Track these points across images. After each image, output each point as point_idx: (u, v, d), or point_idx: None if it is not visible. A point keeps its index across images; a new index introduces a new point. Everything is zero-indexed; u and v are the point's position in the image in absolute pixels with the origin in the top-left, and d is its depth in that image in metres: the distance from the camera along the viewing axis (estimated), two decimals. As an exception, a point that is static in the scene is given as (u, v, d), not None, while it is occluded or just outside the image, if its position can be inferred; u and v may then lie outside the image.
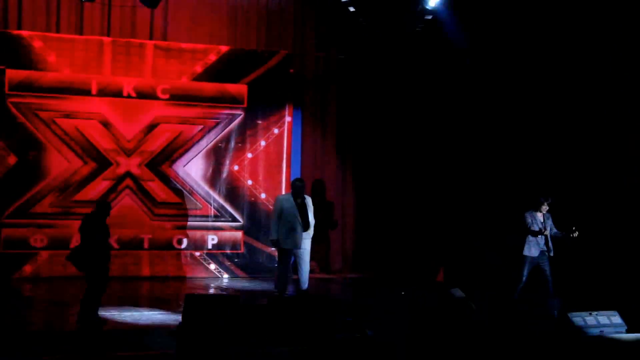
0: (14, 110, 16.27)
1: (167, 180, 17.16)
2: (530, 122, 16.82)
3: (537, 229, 13.77)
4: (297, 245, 14.02)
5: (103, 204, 12.23)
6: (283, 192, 16.92)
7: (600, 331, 11.28)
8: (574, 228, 13.56)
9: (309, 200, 14.43)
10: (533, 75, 16.70)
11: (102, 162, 16.76)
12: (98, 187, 16.68)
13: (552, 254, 13.79)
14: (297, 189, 14.23)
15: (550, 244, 13.78)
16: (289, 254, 14.13)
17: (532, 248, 13.82)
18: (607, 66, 15.71)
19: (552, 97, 16.52)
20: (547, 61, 16.49)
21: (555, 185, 15.63)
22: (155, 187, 17.10)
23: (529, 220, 13.83)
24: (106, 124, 16.76)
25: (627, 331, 11.41)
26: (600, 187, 15.82)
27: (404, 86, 18.43)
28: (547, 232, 13.68)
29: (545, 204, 13.85)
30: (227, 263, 17.43)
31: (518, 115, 17.00)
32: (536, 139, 16.76)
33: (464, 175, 17.99)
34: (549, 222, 13.88)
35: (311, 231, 14.35)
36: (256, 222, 17.58)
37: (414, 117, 18.52)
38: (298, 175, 17.16)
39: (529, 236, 13.81)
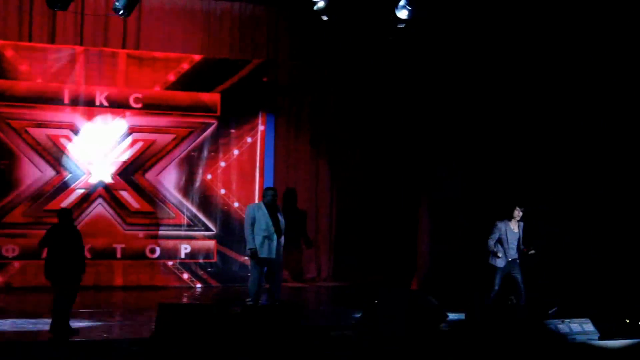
0: (-15, 119, 16.23)
1: (140, 190, 17.12)
2: (508, 127, 16.87)
3: (505, 238, 13.82)
4: (272, 254, 14.02)
5: (62, 212, 12.13)
6: (256, 201, 16.91)
7: (573, 339, 11.33)
8: (531, 248, 13.71)
9: (279, 209, 14.46)
10: (507, 78, 16.75)
11: (74, 172, 16.70)
12: (70, 197, 16.62)
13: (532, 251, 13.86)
14: (269, 197, 14.24)
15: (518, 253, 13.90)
16: (263, 263, 14.12)
17: (500, 258, 13.87)
18: (591, 70, 15.81)
19: (530, 99, 16.58)
20: (525, 65, 16.59)
21: (529, 193, 15.70)
22: (128, 197, 17.05)
23: (496, 231, 13.87)
24: (78, 134, 16.70)
25: (600, 338, 11.46)
26: (573, 196, 15.88)
27: (377, 94, 18.45)
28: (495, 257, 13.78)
29: (518, 212, 13.90)
30: (200, 272, 17.40)
31: (494, 123, 17.05)
32: (513, 147, 16.81)
33: (440, 183, 18.01)
34: (521, 232, 13.95)
35: (282, 240, 14.36)
36: (229, 231, 17.55)
37: (388, 125, 18.54)
38: (271, 184, 17.18)
39: (498, 245, 13.86)
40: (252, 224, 14.08)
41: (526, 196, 15.12)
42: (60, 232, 11.84)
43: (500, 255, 13.83)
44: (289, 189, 18.03)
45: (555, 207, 15.87)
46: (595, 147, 15.83)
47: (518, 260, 13.95)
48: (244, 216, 14.81)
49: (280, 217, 14.28)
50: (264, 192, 14.58)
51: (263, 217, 14.08)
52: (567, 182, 16.03)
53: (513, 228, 13.94)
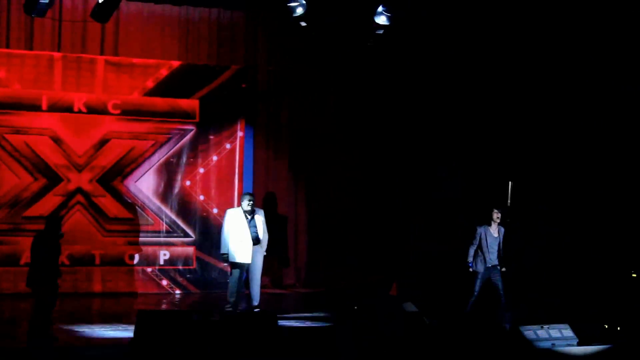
0: (-37, 126, 16.16)
1: (119, 196, 17.08)
2: (507, 127, 16.95)
3: (485, 244, 13.87)
4: (247, 259, 14.04)
5: (51, 220, 12.12)
6: (235, 207, 16.93)
7: (552, 344, 11.36)
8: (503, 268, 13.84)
9: (260, 214, 14.46)
10: (506, 77, 16.84)
11: (52, 178, 16.64)
12: (49, 203, 16.55)
13: (503, 269, 13.92)
14: (246, 202, 14.27)
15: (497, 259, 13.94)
16: (240, 268, 14.14)
17: (479, 263, 13.93)
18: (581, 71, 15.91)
19: (529, 99, 16.67)
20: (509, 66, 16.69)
21: (528, 192, 15.78)
22: (107, 203, 17.00)
23: (477, 235, 13.93)
24: (57, 140, 16.65)
25: (578, 344, 11.50)
26: (572, 195, 15.94)
27: (354, 99, 18.50)
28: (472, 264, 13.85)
29: (497, 214, 13.95)
30: (179, 279, 17.37)
31: (493, 123, 17.13)
32: (512, 146, 16.89)
33: (419, 189, 18.07)
34: (501, 237, 13.99)
35: (264, 246, 14.38)
36: (208, 237, 17.52)
37: (366, 130, 18.59)
38: (250, 190, 17.17)
39: (478, 251, 13.92)
40: (229, 230, 14.12)
41: (525, 195, 15.20)
42: (45, 238, 11.80)
43: (471, 266, 13.91)
44: (268, 194, 18.03)
45: (554, 207, 15.92)
46: (592, 148, 15.92)
47: (499, 267, 13.99)
48: (222, 222, 14.81)
49: (260, 224, 14.29)
50: (242, 198, 14.61)
51: (239, 223, 14.12)
52: (566, 181, 16.11)
53: (493, 232, 13.97)
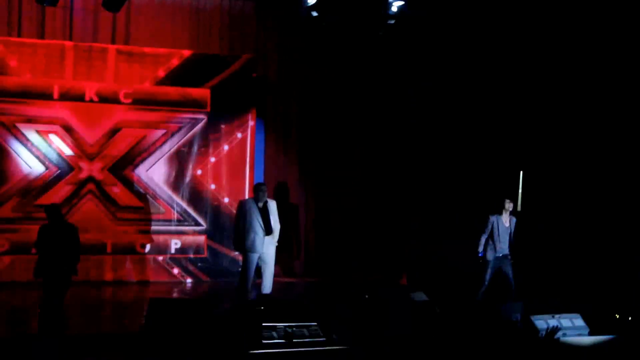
0: (-26, 114, 16.21)
1: (130, 185, 17.12)
2: (495, 122, 16.92)
3: (496, 233, 13.87)
4: (259, 250, 14.04)
5: (48, 209, 12.10)
6: (246, 196, 16.96)
7: (563, 334, 11.37)
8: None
9: (272, 205, 14.43)
10: (505, 76, 16.82)
11: (64, 167, 16.69)
12: (60, 192, 16.60)
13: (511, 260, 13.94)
14: (259, 193, 14.25)
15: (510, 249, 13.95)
16: (252, 259, 14.12)
17: (489, 251, 13.93)
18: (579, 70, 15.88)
19: (526, 96, 16.66)
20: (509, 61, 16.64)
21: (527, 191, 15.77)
22: (118, 192, 17.04)
23: (489, 224, 13.93)
24: (68, 129, 16.69)
25: (590, 334, 11.50)
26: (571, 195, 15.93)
27: (365, 89, 18.48)
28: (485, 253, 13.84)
29: (508, 204, 13.94)
30: (191, 267, 17.41)
31: (487, 118, 17.11)
32: (501, 140, 16.87)
33: (428, 178, 18.06)
34: (513, 227, 13.98)
35: (276, 236, 14.38)
36: (219, 226, 17.55)
37: (376, 120, 18.58)
38: (261, 179, 17.19)
39: (489, 240, 13.91)
40: (242, 220, 14.12)
41: (536, 185, 15.19)
42: (51, 229, 11.81)
43: (482, 256, 13.91)
44: (279, 183, 18.04)
45: (565, 196, 15.90)
46: (604, 137, 15.90)
47: (509, 256, 13.99)
48: (234, 211, 14.81)
49: (272, 214, 14.27)
50: (254, 188, 14.59)
51: (252, 213, 14.11)
52: (565, 181, 16.09)
53: (504, 222, 13.97)
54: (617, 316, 13.36)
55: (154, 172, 17.29)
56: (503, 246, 13.94)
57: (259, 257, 14.15)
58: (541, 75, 16.52)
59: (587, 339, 11.17)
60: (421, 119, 18.11)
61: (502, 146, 16.99)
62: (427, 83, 17.74)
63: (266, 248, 14.18)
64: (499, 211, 14.01)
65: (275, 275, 14.56)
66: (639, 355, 10.93)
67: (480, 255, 14.00)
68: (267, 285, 14.32)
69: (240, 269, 14.72)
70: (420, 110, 18.04)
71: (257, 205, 14.19)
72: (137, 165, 17.18)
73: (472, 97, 17.46)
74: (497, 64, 17.00)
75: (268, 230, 14.15)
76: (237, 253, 15.94)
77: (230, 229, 15.02)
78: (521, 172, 16.36)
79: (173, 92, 17.36)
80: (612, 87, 15.67)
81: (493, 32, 16.83)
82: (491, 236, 13.93)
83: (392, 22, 16.50)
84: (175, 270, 17.29)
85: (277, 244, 14.51)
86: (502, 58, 16.90)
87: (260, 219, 14.09)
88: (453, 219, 17.34)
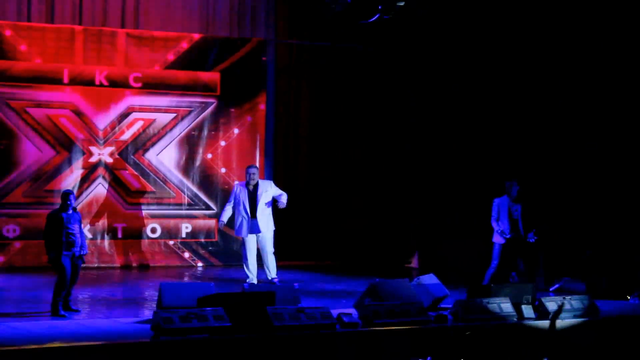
0: (-15, 100, 16.21)
1: (141, 169, 17.13)
2: (495, 122, 16.96)
3: (503, 216, 13.86)
4: (245, 234, 14.11)
5: (62, 195, 11.98)
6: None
7: (573, 315, 11.39)
8: (534, 232, 13.79)
9: (265, 185, 14.38)
10: (505, 75, 16.83)
11: (74, 152, 16.70)
12: (71, 177, 16.62)
13: (529, 240, 13.90)
14: (248, 175, 14.29)
15: (520, 230, 13.91)
16: (244, 242, 14.24)
17: (498, 235, 13.91)
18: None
19: (525, 93, 16.65)
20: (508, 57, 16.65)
21: (528, 170, 15.74)
22: (129, 176, 17.06)
23: (495, 208, 13.92)
24: (78, 113, 16.70)
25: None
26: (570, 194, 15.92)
27: (375, 71, 18.46)
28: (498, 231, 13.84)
29: (512, 188, 13.91)
30: (201, 251, 17.43)
31: (486, 118, 17.14)
32: (506, 127, 16.86)
33: (427, 178, 18.03)
34: (519, 209, 13.95)
35: (268, 220, 14.31)
36: (230, 210, 17.54)
37: (384, 104, 18.57)
38: (271, 163, 17.21)
39: (498, 222, 13.90)
40: (230, 202, 14.28)
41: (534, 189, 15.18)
42: (53, 214, 11.75)
43: (504, 233, 13.89)
44: (289, 167, 18.05)
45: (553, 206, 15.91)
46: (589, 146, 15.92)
47: (519, 239, 13.96)
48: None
49: (263, 195, 14.21)
50: (246, 171, 14.57)
51: (241, 196, 14.18)
52: (564, 180, 16.09)
53: (511, 204, 13.96)
54: (629, 298, 13.38)
55: (164, 156, 17.29)
56: (511, 229, 13.92)
57: (258, 242, 14.23)
58: (540, 73, 16.52)
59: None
60: (435, 106, 18.05)
61: (502, 146, 16.98)
62: (428, 85, 17.78)
63: (263, 232, 14.20)
64: (503, 194, 13.99)
65: (284, 258, 14.53)
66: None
67: (497, 234, 13.95)
68: (271, 271, 14.36)
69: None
70: (433, 96, 17.98)
71: (247, 188, 14.24)
72: (147, 150, 17.19)
73: (472, 97, 17.47)
74: (495, 63, 16.99)
75: (253, 214, 14.15)
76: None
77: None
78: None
79: (183, 75, 17.35)
80: (612, 86, 15.67)
81: (492, 29, 16.82)
82: (499, 219, 13.91)
83: (402, 3, 16.44)
84: (186, 255, 17.31)
85: (274, 228, 14.47)
86: (501, 57, 16.89)
87: (247, 203, 14.14)
88: (453, 219, 17.36)
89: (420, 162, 18.18)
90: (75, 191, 15.22)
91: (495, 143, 17.01)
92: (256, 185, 14.32)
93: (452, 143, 17.77)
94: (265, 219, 14.31)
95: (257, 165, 17.40)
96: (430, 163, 18.02)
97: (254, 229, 14.22)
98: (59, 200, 11.93)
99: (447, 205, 17.53)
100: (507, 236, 13.84)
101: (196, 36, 17.39)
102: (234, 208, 14.35)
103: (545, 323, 11.20)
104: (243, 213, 14.18)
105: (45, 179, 16.52)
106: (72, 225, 11.59)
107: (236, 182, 14.84)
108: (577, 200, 15.71)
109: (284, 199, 14.37)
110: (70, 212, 11.63)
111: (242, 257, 14.48)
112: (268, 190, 14.37)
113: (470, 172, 17.25)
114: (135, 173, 17.08)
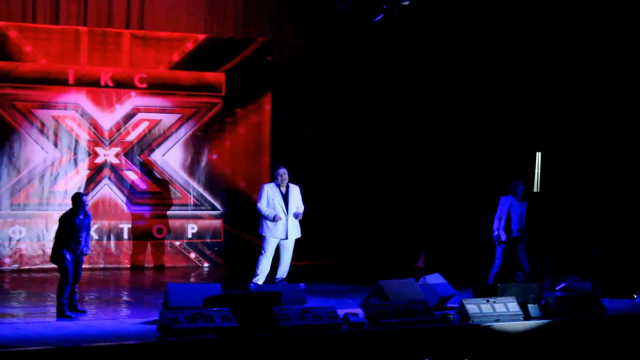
0: (-10, 101, 16.23)
1: (146, 170, 17.15)
2: (495, 122, 16.97)
3: (507, 215, 13.87)
4: (283, 236, 13.74)
5: (73, 198, 11.95)
6: (263, 180, 16.89)
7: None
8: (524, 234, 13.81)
9: (295, 189, 14.09)
10: (505, 74, 16.83)
11: (80, 153, 16.71)
12: (76, 178, 16.63)
13: (526, 242, 13.95)
14: (280, 177, 13.93)
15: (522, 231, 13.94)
16: (273, 243, 13.82)
17: (502, 234, 13.91)
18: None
19: (523, 92, 16.66)
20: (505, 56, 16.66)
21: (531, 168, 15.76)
22: (134, 177, 17.07)
23: (500, 205, 13.94)
24: (83, 114, 16.72)
25: (524, 319, 11.33)
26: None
27: (378, 71, 18.45)
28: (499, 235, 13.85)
29: (517, 187, 13.92)
30: (207, 252, 17.44)
31: (486, 118, 17.14)
32: (506, 127, 16.88)
33: (427, 177, 18.02)
34: (524, 209, 13.96)
35: (300, 216, 14.10)
36: (236, 210, 17.56)
37: (388, 104, 18.56)
38: (277, 163, 17.15)
39: (502, 221, 13.90)
40: (264, 204, 13.77)
41: (554, 166, 15.19)
42: (64, 216, 11.74)
43: (496, 238, 13.92)
44: (295, 168, 18.03)
45: (584, 177, 15.87)
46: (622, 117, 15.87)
47: (522, 238, 13.97)
48: (250, 195, 14.73)
49: (292, 199, 13.93)
50: (276, 172, 14.17)
51: (275, 198, 13.77)
52: (565, 179, 16.08)
53: (516, 204, 13.96)
54: (635, 296, 13.35)
55: (169, 157, 17.31)
56: (515, 228, 13.92)
57: (281, 243, 13.85)
58: (540, 73, 16.57)
59: (521, 324, 11.07)
60: (442, 105, 18.02)
61: (502, 146, 16.99)
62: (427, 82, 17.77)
63: (290, 234, 13.85)
64: (512, 193, 13.98)
65: (295, 258, 14.36)
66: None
67: (494, 237, 14.00)
68: (284, 271, 14.13)
69: (260, 254, 14.32)
70: (439, 94, 17.96)
71: (279, 190, 13.87)
72: (152, 150, 17.20)
73: (473, 97, 17.48)
74: (496, 63, 17.00)
75: (293, 216, 13.85)
76: (252, 237, 15.85)
77: (247, 213, 14.89)
78: (539, 154, 16.31)
79: (188, 76, 17.37)
80: (614, 85, 15.68)
81: (492, 29, 16.83)
82: (502, 217, 13.93)
83: (407, 2, 16.40)
84: (192, 255, 17.33)
85: (299, 236, 14.20)
86: (501, 57, 16.90)
87: (283, 204, 13.77)
88: (453, 219, 17.34)
89: (421, 162, 18.16)
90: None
91: (496, 143, 17.00)
92: (287, 187, 13.99)
93: (453, 143, 17.76)
94: (296, 222, 13.97)
95: (263, 165, 17.43)
96: (430, 163, 18.00)
97: (292, 230, 13.91)
98: (64, 202, 11.96)
99: (447, 205, 17.51)
100: (503, 239, 13.88)
101: (201, 37, 17.40)
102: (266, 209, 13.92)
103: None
104: (281, 215, 13.84)
105: (51, 180, 16.53)
106: (81, 233, 11.59)
107: (265, 185, 14.25)
108: (582, 198, 15.66)
109: (301, 210, 14.02)
110: (82, 216, 11.61)
111: (262, 257, 13.98)
112: (297, 196, 14.03)
113: (470, 172, 17.24)
114: (141, 174, 17.10)
